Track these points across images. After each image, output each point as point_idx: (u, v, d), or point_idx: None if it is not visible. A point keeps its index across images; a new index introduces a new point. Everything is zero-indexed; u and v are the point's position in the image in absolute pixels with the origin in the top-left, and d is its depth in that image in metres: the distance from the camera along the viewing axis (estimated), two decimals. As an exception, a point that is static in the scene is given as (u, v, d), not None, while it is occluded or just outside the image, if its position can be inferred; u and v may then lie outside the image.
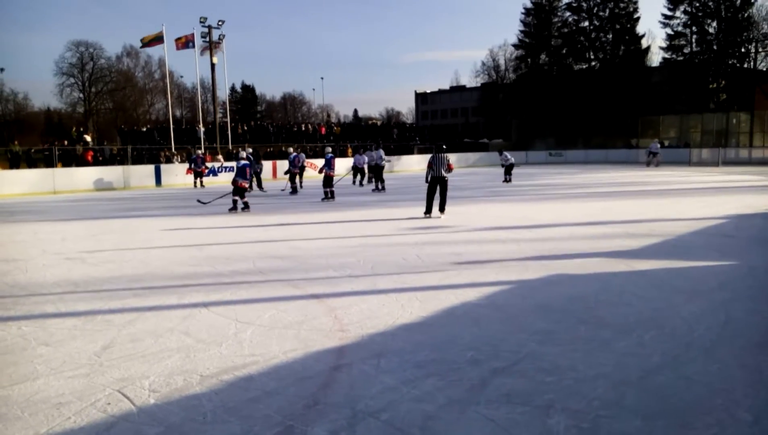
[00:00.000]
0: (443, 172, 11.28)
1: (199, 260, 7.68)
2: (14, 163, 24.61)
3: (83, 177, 22.83)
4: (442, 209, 11.49)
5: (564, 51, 52.04)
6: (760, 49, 44.11)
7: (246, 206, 13.41)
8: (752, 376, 3.55)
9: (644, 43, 49.72)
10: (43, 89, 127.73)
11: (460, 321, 4.76)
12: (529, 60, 54.00)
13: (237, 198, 13.43)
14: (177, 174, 25.23)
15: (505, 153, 22.61)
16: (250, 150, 21.40)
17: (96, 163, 25.91)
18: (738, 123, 38.74)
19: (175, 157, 27.85)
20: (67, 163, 25.18)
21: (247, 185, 13.59)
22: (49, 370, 3.82)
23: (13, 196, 19.92)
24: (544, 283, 6.02)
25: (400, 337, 4.37)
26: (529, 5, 53.32)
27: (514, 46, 55.74)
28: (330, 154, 16.71)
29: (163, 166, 25.42)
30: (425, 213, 11.55)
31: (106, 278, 6.67)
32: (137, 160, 27.14)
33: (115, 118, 57.41)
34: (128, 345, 4.30)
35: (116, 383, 3.59)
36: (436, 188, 11.40)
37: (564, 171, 29.91)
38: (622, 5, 49.20)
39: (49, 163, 24.61)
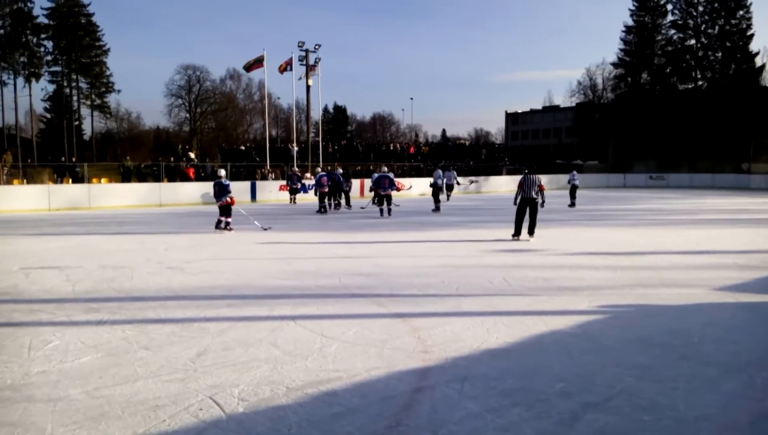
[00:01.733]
0: (533, 193, 10.99)
1: (288, 274, 7.92)
2: (126, 177, 26.85)
3: (186, 191, 24.40)
4: (531, 232, 11.16)
5: (668, 70, 49.44)
6: None
7: (227, 226, 13.07)
8: None
9: (759, 61, 46.24)
10: (153, 109, 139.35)
11: (550, 350, 4.56)
12: (629, 79, 51.78)
13: (222, 217, 13.09)
14: (271, 190, 26.35)
15: (573, 171, 22.07)
16: (341, 170, 22.05)
17: (198, 178, 27.64)
18: None
19: (270, 175, 29.12)
20: (172, 178, 27.05)
21: (229, 201, 13.08)
22: (148, 373, 4.05)
23: (123, 207, 21.62)
24: (643, 314, 5.64)
25: (485, 362, 4.25)
26: (630, 23, 51.34)
27: (613, 64, 53.78)
28: (377, 175, 18.21)
29: (259, 183, 26.66)
30: (513, 235, 11.27)
31: (203, 287, 7.04)
32: (235, 177, 28.62)
33: (216, 136, 61.18)
34: (221, 353, 4.48)
35: (208, 390, 3.74)
36: (526, 210, 11.11)
37: (666, 195, 28.20)
38: (733, 22, 46.16)
39: (157, 178, 26.59)
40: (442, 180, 21.05)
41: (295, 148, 32.94)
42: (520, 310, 5.82)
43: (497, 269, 8.14)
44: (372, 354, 4.43)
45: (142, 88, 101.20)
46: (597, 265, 8.50)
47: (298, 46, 31.36)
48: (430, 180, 19.94)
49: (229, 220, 13.08)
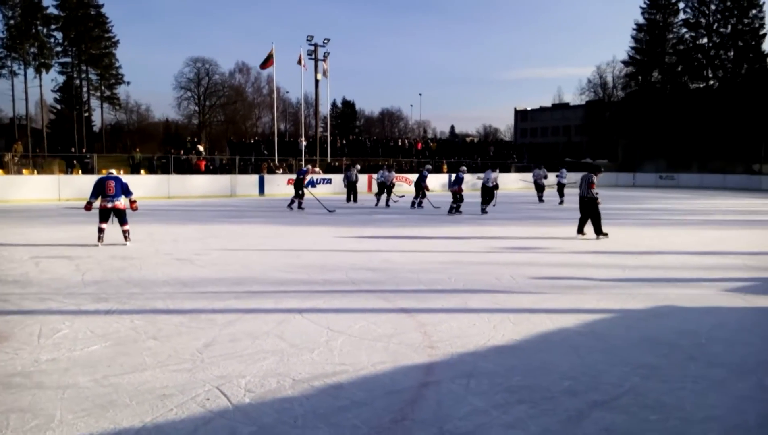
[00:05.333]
0: (583, 192, 11.08)
1: (295, 267, 7.94)
2: (135, 169, 26.99)
3: (195, 184, 24.51)
4: (597, 232, 11.10)
5: (679, 69, 49.01)
6: None
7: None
8: None
9: (771, 60, 45.77)
10: (163, 102, 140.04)
11: (557, 348, 4.55)
12: (639, 77, 51.39)
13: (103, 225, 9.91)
14: (279, 184, 26.41)
15: (563, 169, 22.04)
16: (359, 166, 22.19)
17: (207, 171, 27.75)
18: None
19: (278, 168, 29.20)
20: (181, 171, 27.17)
21: (121, 206, 9.89)
22: (156, 363, 4.08)
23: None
24: (651, 314, 5.62)
25: (491, 359, 4.25)
26: (641, 21, 50.92)
27: (624, 63, 53.36)
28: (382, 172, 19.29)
29: (267, 177, 26.73)
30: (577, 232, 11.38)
31: (211, 279, 7.07)
32: (243, 170, 28.72)
33: (225, 130, 61.28)
34: (228, 344, 4.50)
35: (215, 380, 3.76)
36: (584, 209, 11.18)
37: (676, 195, 28.02)
38: (746, 21, 45.70)
39: (165, 171, 26.71)
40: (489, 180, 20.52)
41: (304, 143, 33.00)
42: (528, 307, 5.80)
43: (505, 266, 8.12)
44: (378, 348, 4.44)
45: (151, 80, 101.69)
46: (606, 264, 8.46)
47: (307, 41, 31.43)
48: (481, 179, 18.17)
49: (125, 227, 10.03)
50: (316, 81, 32.77)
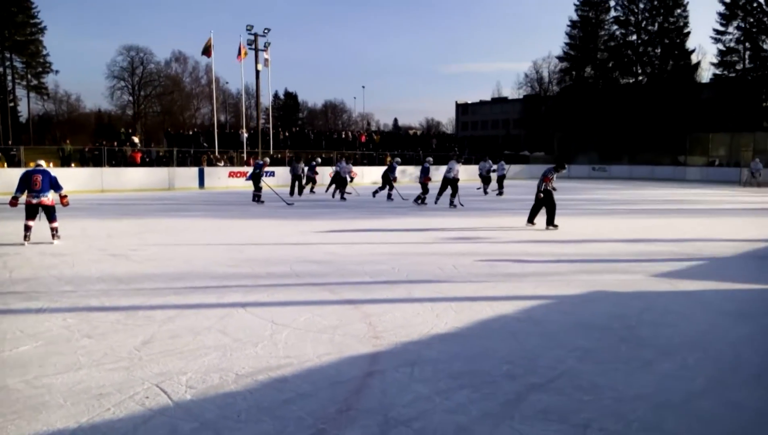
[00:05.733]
0: (542, 185, 11.42)
1: (238, 262, 7.81)
2: (65, 161, 25.67)
3: (130, 177, 23.59)
4: (548, 223, 11.47)
5: (610, 64, 51.09)
6: (819, 67, 42.34)
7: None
8: (805, 406, 3.37)
9: (694, 58, 48.43)
10: (94, 91, 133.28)
11: (497, 334, 4.69)
12: (573, 73, 53.22)
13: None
14: (220, 177, 25.81)
15: (502, 162, 22.44)
16: (319, 159, 22.08)
17: (143, 164, 26.75)
18: (793, 143, 37.16)
19: (219, 161, 28.51)
20: (115, 163, 26.06)
21: (48, 202, 9.24)
22: (91, 362, 3.93)
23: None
24: (585, 299, 5.87)
25: (435, 347, 4.33)
26: (575, 18, 52.69)
27: (559, 58, 55.08)
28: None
29: (207, 169, 26.04)
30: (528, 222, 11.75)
31: (149, 275, 6.85)
32: (182, 163, 27.87)
33: (162, 121, 59.20)
34: (167, 341, 4.39)
35: (155, 377, 3.66)
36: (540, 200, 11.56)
37: (608, 186, 29.27)
38: (672, 20, 48.06)
39: (98, 163, 25.56)
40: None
41: (245, 135, 32.34)
42: (469, 296, 5.95)
43: (448, 256, 8.27)
44: (323, 340, 4.44)
45: (82, 69, 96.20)
46: (543, 253, 8.77)
47: (247, 30, 30.73)
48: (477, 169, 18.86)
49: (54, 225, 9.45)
50: (257, 71, 32.16)
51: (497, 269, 7.43)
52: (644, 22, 49.10)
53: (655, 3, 48.28)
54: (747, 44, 44.63)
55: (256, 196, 17.56)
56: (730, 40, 45.48)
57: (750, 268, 7.72)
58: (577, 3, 52.39)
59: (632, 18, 49.52)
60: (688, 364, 4.06)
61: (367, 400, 3.38)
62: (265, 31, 31.13)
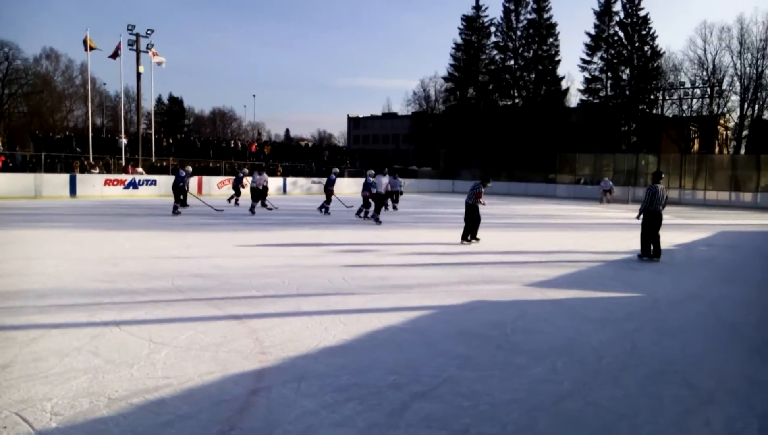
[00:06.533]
0: (471, 199, 11.68)
1: (113, 276, 7.30)
2: None
3: (-11, 183, 21.22)
4: (469, 235, 11.71)
5: (490, 87, 54.25)
6: (667, 97, 47.86)
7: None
8: (653, 403, 3.78)
9: (564, 84, 52.80)
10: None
11: (383, 345, 4.79)
12: (457, 93, 55.84)
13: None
14: (94, 185, 23.96)
15: (397, 177, 21.97)
16: (247, 170, 20.79)
17: (5, 169, 24.21)
18: (646, 164, 41.64)
19: (94, 168, 26.50)
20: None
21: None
22: (-65, 392, 3.49)
23: None
24: (466, 309, 6.17)
25: (323, 361, 4.34)
26: (459, 41, 55.43)
27: (444, 78, 57.54)
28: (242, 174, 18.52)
29: (79, 176, 24.08)
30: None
31: (10, 292, 6.20)
32: (51, 169, 25.62)
33: (29, 122, 54.00)
34: (30, 364, 4.01)
35: (15, 405, 3.33)
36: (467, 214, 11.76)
37: (487, 201, 30.91)
38: (545, 47, 52.08)
39: (-51, 167, 22.76)
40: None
41: (124, 140, 30.42)
42: (358, 308, 6.02)
43: (337, 269, 8.31)
44: (206, 358, 4.28)
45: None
46: (429, 264, 9.09)
47: (128, 30, 29.03)
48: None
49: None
50: (138, 74, 30.39)
51: (385, 281, 7.58)
52: (521, 49, 52.80)
53: (531, 31, 52.16)
54: (609, 73, 49.44)
55: (177, 207, 16.78)
56: (595, 69, 50.14)
57: (610, 278, 8.52)
58: (461, 27, 55.26)
59: (510, 44, 53.07)
60: (557, 367, 4.40)
61: (251, 418, 3.31)
62: (148, 32, 29.59)
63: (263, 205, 19.21)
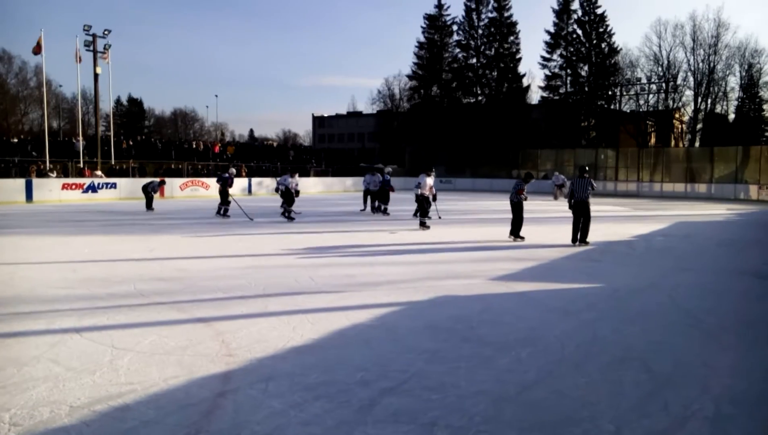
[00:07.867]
0: (515, 197, 11.77)
1: (72, 282, 7.11)
2: None
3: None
4: (513, 233, 11.91)
5: (454, 85, 54.68)
6: (624, 93, 49.15)
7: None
8: (615, 389, 3.89)
9: (525, 81, 53.59)
10: None
11: (351, 342, 4.80)
12: (422, 91, 56.12)
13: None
14: (51, 189, 23.23)
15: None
16: (234, 170, 18.55)
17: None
18: (605, 158, 42.70)
19: (51, 172, 25.70)
20: None
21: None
22: None
23: None
24: (432, 304, 6.23)
25: (290, 360, 4.32)
26: (422, 39, 55.69)
27: (409, 77, 57.70)
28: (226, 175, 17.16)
29: (36, 181, 23.31)
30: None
31: (-41, 303, 5.98)
32: (5, 174, 24.75)
33: (-20, 127, 51.94)
34: (-16, 376, 3.88)
35: (-32, 419, 3.22)
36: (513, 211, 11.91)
37: (453, 198, 31.21)
38: (506, 45, 52.76)
39: None
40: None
41: (82, 143, 29.58)
42: (325, 306, 6.02)
43: (304, 268, 8.28)
44: (171, 362, 4.22)
45: None
46: (395, 261, 9.14)
47: (84, 30, 28.23)
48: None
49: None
50: (96, 75, 29.58)
51: (352, 279, 7.59)
52: (483, 47, 53.36)
53: (492, 30, 52.76)
54: (568, 70, 50.43)
55: (224, 210, 16.64)
56: (555, 66, 51.04)
57: (571, 270, 8.72)
58: (424, 26, 55.55)
59: (472, 42, 53.59)
60: (521, 358, 4.49)
61: (218, 421, 3.28)
62: (105, 32, 28.82)
63: (287, 213, 16.36)
